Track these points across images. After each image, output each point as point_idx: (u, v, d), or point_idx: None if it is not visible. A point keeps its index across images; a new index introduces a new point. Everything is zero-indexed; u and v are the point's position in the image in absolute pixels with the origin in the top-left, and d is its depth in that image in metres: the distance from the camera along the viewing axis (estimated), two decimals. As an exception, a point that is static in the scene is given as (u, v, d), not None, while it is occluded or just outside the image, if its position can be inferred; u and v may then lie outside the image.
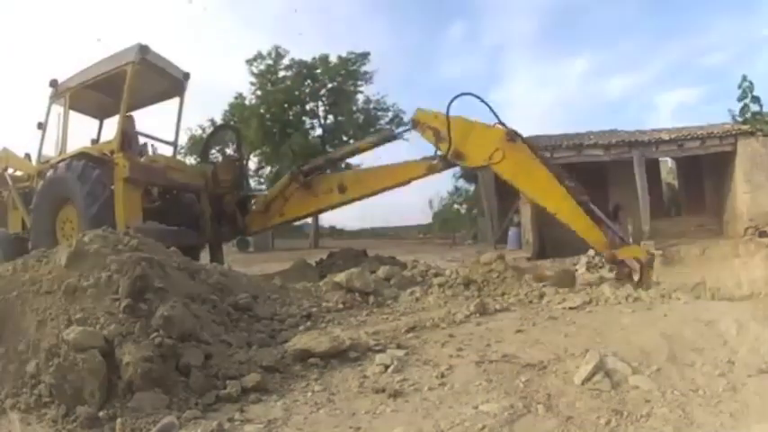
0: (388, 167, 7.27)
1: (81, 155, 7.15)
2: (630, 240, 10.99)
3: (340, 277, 5.50)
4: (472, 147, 6.33)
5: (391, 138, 7.25)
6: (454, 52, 63.67)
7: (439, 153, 6.67)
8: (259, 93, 26.44)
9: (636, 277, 5.77)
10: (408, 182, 7.30)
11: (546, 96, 73.62)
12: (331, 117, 27.60)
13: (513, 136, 6.06)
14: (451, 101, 6.14)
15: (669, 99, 71.27)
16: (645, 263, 5.79)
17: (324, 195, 7.48)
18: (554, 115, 67.30)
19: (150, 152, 8.24)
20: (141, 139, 8.19)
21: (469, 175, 22.67)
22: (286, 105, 26.11)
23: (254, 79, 26.45)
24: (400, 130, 6.80)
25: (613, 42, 66.55)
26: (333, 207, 7.85)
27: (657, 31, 64.03)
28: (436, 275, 6.05)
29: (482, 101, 6.16)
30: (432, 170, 6.92)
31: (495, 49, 70.11)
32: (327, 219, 30.32)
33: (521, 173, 6.18)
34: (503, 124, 6.16)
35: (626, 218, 13.43)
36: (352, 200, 7.51)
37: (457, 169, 31.94)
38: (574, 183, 6.08)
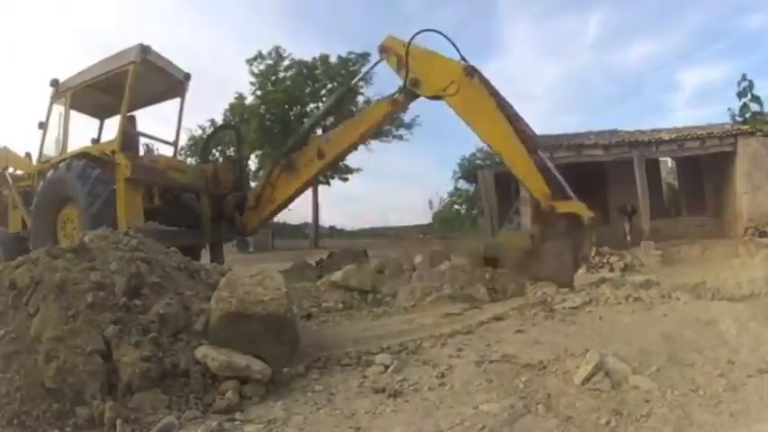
0: (355, 118, 7.57)
1: (81, 155, 7.16)
2: (629, 239, 11.01)
3: (336, 275, 5.51)
4: (430, 76, 6.46)
5: (347, 91, 7.59)
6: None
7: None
8: (259, 93, 26.42)
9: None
10: (379, 124, 7.61)
11: (551, 69, 63.51)
12: (331, 118, 27.57)
13: (470, 72, 6.13)
14: (416, 33, 6.42)
15: (693, 77, 62.86)
16: (587, 223, 5.56)
17: (305, 168, 7.55)
18: (561, 94, 60.54)
19: (144, 152, 8.24)
20: (144, 140, 8.20)
21: (469, 175, 22.67)
22: (286, 106, 26.09)
23: (254, 79, 26.45)
24: (367, 67, 7.29)
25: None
26: (318, 174, 7.96)
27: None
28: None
29: (446, 37, 6.35)
30: (395, 105, 7.10)
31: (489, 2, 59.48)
32: (327, 219, 30.39)
33: (472, 110, 6.23)
34: (464, 59, 6.30)
35: (635, 220, 13.49)
36: (335, 160, 7.83)
37: (456, 169, 32.06)
38: (531, 134, 6.29)
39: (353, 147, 7.76)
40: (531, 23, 62.54)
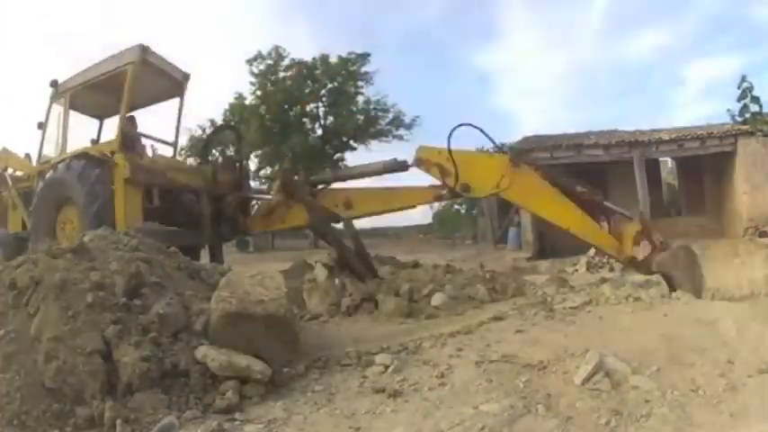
0: (396, 191, 7.30)
1: (81, 155, 7.15)
2: None
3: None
4: (478, 178, 6.36)
5: (401, 169, 7.21)
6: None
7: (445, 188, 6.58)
8: (259, 93, 26.43)
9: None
10: (414, 206, 7.40)
11: (555, 60, 63.18)
12: (331, 118, 27.60)
13: (516, 161, 6.20)
14: (451, 133, 6.16)
15: (701, 71, 61.83)
16: (657, 244, 5.70)
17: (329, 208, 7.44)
18: (565, 88, 59.68)
19: (150, 153, 8.24)
20: (144, 141, 8.19)
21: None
22: (286, 106, 26.11)
23: (254, 79, 26.46)
24: (410, 163, 6.67)
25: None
26: (335, 222, 7.87)
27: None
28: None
29: (481, 131, 6.25)
30: (438, 199, 7.00)
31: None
32: (327, 219, 30.26)
33: (530, 196, 6.30)
34: (502, 150, 6.39)
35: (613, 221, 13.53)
36: (356, 217, 7.44)
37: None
38: (586, 187, 6.16)
39: (380, 214, 7.57)
40: (532, 10, 61.47)
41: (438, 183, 6.50)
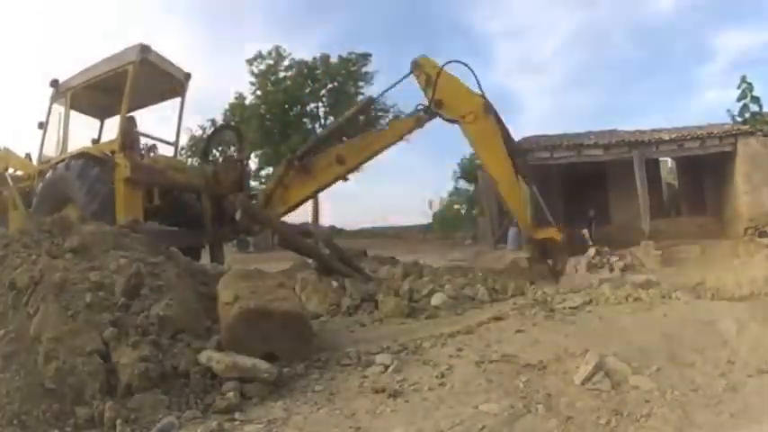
0: (379, 131, 7.96)
1: (80, 154, 7.16)
2: (590, 242, 11.56)
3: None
4: (453, 102, 7.17)
5: (370, 102, 8.03)
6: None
7: (422, 106, 7.42)
8: (259, 93, 26.42)
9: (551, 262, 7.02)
10: (401, 137, 7.94)
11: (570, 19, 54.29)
12: (331, 118, 27.59)
13: (488, 109, 7.05)
14: (447, 62, 7.20)
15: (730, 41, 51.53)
16: (558, 244, 6.90)
17: (323, 173, 7.71)
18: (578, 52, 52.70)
19: (146, 150, 8.24)
20: (145, 140, 8.20)
21: (469, 175, 22.66)
22: (286, 106, 26.10)
23: (254, 79, 26.45)
24: (394, 83, 7.84)
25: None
26: (334, 181, 8.08)
27: None
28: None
29: (472, 72, 7.16)
30: (418, 122, 7.57)
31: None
32: (327, 219, 30.33)
33: (482, 141, 7.20)
34: (484, 97, 7.12)
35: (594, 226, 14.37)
36: (352, 169, 8.06)
37: (456, 169, 32.07)
38: (527, 168, 7.34)
39: (373, 157, 7.95)
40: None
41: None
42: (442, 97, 7.14)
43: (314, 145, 8.21)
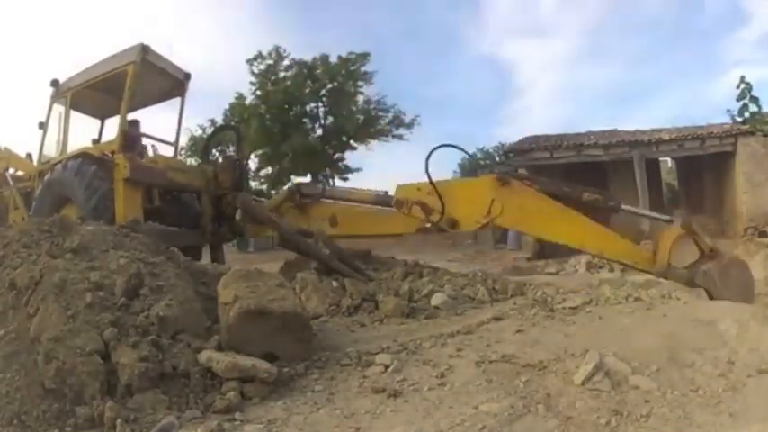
0: (383, 215, 6.66)
1: (78, 154, 7.16)
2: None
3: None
4: (465, 210, 5.58)
5: (387, 204, 6.74)
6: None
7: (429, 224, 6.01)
8: (259, 93, 26.44)
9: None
10: (400, 234, 7.02)
11: None
12: (331, 117, 27.61)
13: (504, 179, 5.34)
14: (428, 158, 5.43)
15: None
16: (706, 251, 4.92)
17: (314, 222, 7.21)
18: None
19: (151, 153, 8.25)
20: (144, 141, 8.20)
21: (470, 174, 22.64)
22: (286, 106, 26.11)
23: (254, 79, 26.47)
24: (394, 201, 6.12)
25: None
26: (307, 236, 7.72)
27: None
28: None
29: (459, 149, 5.79)
30: (423, 232, 6.47)
31: None
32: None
33: (529, 218, 5.38)
34: (479, 163, 5.80)
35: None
36: (341, 235, 7.04)
37: (456, 165, 32.09)
38: (596, 192, 5.17)
39: (363, 236, 7.27)
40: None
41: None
42: (450, 213, 5.64)
43: (320, 193, 7.62)
